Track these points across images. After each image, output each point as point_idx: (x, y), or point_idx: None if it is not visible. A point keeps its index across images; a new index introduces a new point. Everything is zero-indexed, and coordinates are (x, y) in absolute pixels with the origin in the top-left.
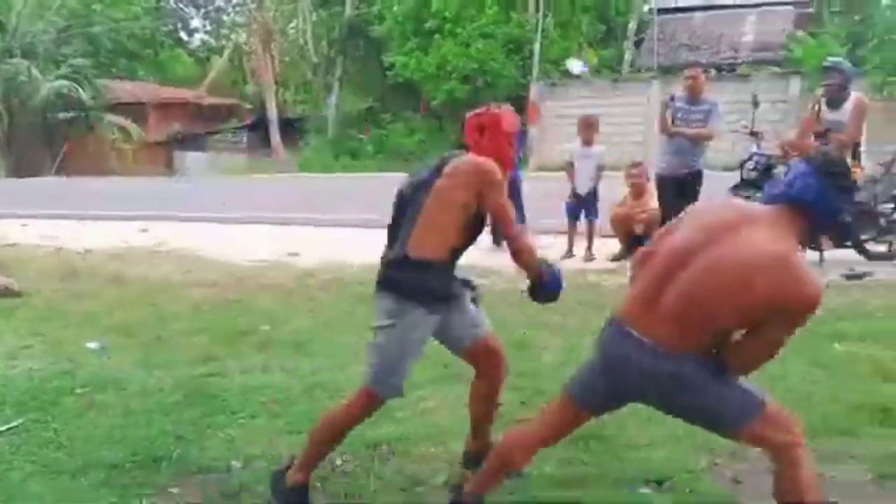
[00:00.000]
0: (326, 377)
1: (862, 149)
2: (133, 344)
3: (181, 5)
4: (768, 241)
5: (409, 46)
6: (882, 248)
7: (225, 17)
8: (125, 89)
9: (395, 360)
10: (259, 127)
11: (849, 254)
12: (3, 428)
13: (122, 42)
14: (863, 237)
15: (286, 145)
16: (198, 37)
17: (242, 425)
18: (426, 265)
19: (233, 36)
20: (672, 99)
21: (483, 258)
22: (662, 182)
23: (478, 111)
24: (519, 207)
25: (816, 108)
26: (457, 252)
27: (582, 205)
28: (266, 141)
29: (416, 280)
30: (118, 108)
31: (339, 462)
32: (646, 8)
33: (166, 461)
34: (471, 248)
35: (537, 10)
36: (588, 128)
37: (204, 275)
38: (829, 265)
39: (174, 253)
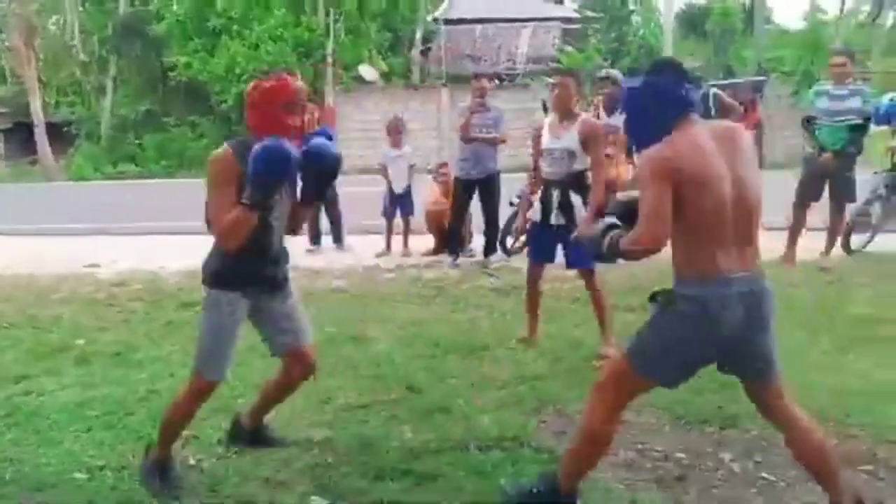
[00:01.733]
0: (161, 385)
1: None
2: None
3: None
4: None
5: (192, 47)
6: None
7: None
8: None
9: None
10: (18, 131)
11: None
12: None
13: None
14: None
15: (54, 151)
16: None
17: (79, 439)
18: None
19: None
20: (483, 106)
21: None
22: (460, 184)
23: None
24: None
25: (596, 113)
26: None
27: (398, 203)
28: (28, 146)
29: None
30: None
31: (192, 462)
32: (429, 17)
33: None
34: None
35: (327, 15)
36: (395, 130)
37: None
38: None
39: None
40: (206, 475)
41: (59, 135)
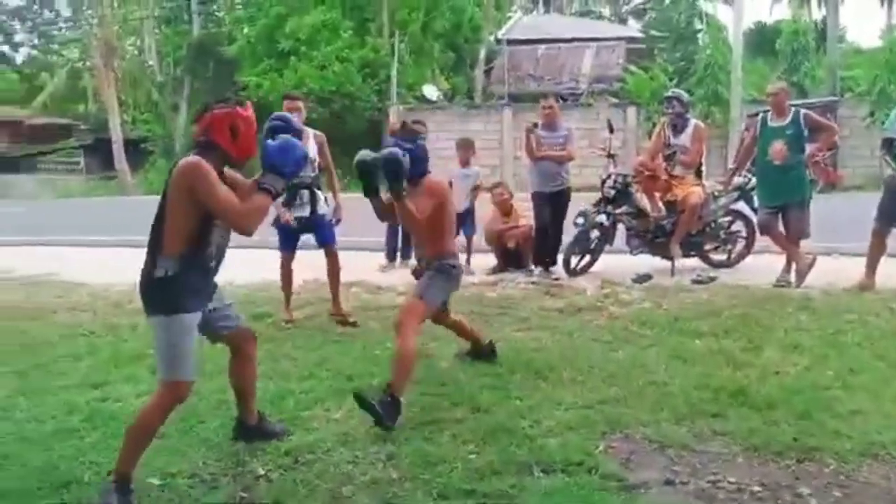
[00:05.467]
0: (232, 395)
1: (703, 168)
2: (8, 372)
3: (3, 17)
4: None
5: (262, 67)
6: (723, 257)
7: (55, 32)
8: None
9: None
10: (99, 148)
11: (695, 262)
12: None
13: None
14: (706, 247)
15: (131, 167)
16: (23, 51)
17: (153, 445)
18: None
19: (64, 52)
20: (536, 126)
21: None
22: (537, 198)
23: (221, 110)
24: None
25: (662, 132)
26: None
27: (460, 222)
28: (107, 163)
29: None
30: None
31: (261, 471)
32: (492, 37)
33: (77, 484)
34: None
35: (391, 36)
36: (465, 149)
37: (73, 300)
38: (679, 272)
39: (28, 279)
40: (274, 486)
41: (136, 151)
